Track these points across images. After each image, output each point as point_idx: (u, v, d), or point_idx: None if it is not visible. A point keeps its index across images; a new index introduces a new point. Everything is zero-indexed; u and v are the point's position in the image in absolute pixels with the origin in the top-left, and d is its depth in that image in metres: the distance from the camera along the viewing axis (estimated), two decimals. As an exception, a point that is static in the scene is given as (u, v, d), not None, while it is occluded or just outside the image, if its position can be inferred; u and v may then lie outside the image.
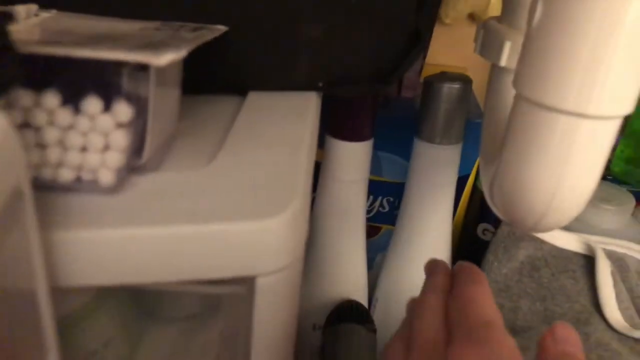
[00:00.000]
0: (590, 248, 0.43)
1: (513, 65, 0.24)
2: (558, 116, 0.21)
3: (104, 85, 0.19)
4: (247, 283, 0.20)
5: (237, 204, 0.20)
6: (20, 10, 0.21)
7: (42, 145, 0.19)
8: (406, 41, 0.31)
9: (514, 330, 0.41)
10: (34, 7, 0.23)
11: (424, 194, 0.42)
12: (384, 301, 0.47)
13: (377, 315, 0.47)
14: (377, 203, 0.50)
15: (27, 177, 0.15)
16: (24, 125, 0.19)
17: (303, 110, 0.29)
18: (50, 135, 0.19)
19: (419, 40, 0.31)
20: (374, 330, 0.41)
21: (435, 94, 0.39)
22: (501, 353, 0.19)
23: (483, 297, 0.22)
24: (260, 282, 0.20)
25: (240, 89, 0.31)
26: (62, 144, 0.19)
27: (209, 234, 0.19)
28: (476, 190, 0.50)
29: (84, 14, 0.25)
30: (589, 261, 0.42)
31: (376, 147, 0.43)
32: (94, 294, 0.24)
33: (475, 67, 0.51)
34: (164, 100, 0.22)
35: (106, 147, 0.19)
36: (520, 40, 0.23)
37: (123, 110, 0.19)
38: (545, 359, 0.19)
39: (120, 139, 0.19)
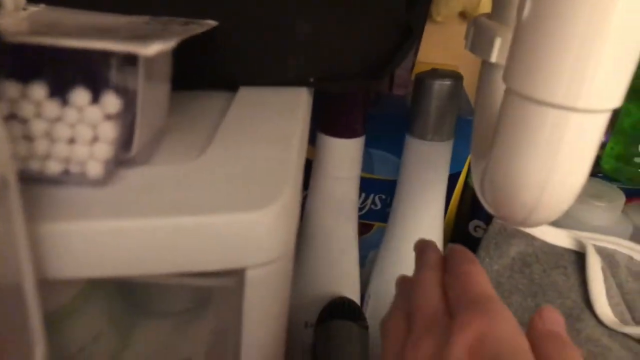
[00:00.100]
0: (581, 244, 0.43)
1: (503, 61, 0.24)
2: (548, 110, 0.21)
3: (92, 77, 0.19)
4: (236, 276, 0.20)
5: (227, 196, 0.20)
6: (7, 1, 0.21)
7: (29, 138, 0.19)
8: (397, 37, 0.31)
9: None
10: (22, 1, 0.23)
11: (415, 191, 0.43)
12: (376, 298, 0.47)
13: (369, 312, 0.47)
14: (369, 200, 0.50)
15: (13, 167, 0.15)
16: (11, 117, 0.19)
17: (294, 105, 0.29)
18: (38, 127, 0.19)
19: (410, 36, 0.31)
20: (366, 327, 0.41)
21: (426, 91, 0.39)
22: (504, 323, 0.20)
23: (478, 274, 0.23)
24: (250, 275, 0.20)
25: (230, 84, 0.31)
26: (50, 136, 0.19)
27: (198, 226, 0.19)
28: (468, 187, 0.50)
29: (72, 9, 0.25)
30: (579, 257, 0.43)
31: (368, 145, 0.43)
32: (83, 288, 0.24)
33: (466, 65, 0.51)
34: (153, 94, 0.22)
35: (94, 139, 0.19)
36: (510, 36, 0.23)
37: (111, 102, 0.19)
38: (533, 335, 0.20)
39: (109, 131, 0.19)
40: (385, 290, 0.46)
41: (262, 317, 0.22)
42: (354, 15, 0.30)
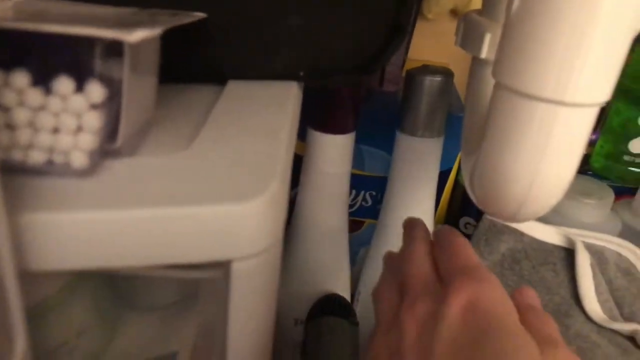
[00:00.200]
0: (570, 241, 0.43)
1: (493, 57, 0.24)
2: (536, 104, 0.21)
3: (76, 65, 0.18)
4: (223, 268, 0.20)
5: (213, 187, 0.20)
6: (-9, -10, 0.21)
7: (11, 126, 0.19)
8: (387, 32, 0.31)
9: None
10: (7, -10, 0.23)
11: (406, 187, 0.42)
12: (367, 295, 0.47)
13: (359, 309, 0.46)
14: (360, 197, 0.50)
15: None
16: (-7, 106, 0.18)
17: (283, 99, 0.29)
18: (20, 115, 0.18)
19: (401, 31, 0.31)
20: (357, 324, 0.41)
21: (417, 87, 0.39)
22: (494, 289, 0.21)
23: (466, 245, 0.25)
24: (236, 267, 0.20)
25: (219, 77, 0.31)
26: (33, 125, 0.19)
27: (183, 217, 0.19)
28: (458, 184, 0.50)
29: (60, 0, 0.25)
30: (569, 254, 0.43)
31: (359, 142, 0.43)
32: (67, 280, 0.24)
33: (457, 63, 0.51)
34: (139, 85, 0.22)
35: (79, 129, 0.19)
36: (500, 32, 0.23)
37: (96, 91, 0.19)
38: (515, 306, 0.22)
39: (94, 121, 0.19)
40: (375, 287, 0.46)
41: (248, 311, 0.22)
42: (344, 9, 0.30)
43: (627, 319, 0.41)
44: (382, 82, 0.50)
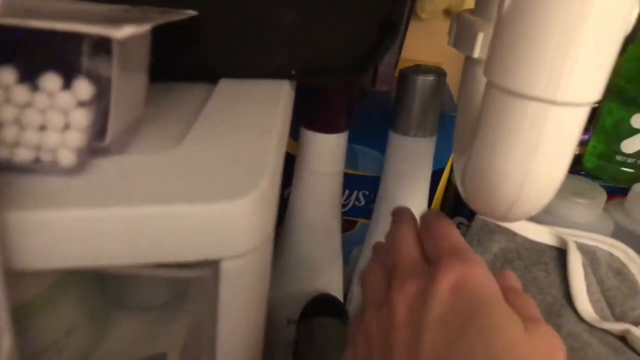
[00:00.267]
0: (562, 241, 0.43)
1: (485, 56, 0.24)
2: (528, 103, 0.21)
3: (64, 62, 0.18)
4: (212, 267, 0.20)
5: (203, 185, 0.20)
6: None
7: (-3, 124, 0.18)
8: (380, 31, 0.31)
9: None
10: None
11: (399, 187, 0.42)
12: (360, 295, 0.47)
13: (352, 309, 0.46)
14: (353, 197, 0.50)
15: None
16: (-21, 103, 0.18)
17: (275, 97, 0.29)
18: (7, 113, 0.18)
19: (393, 30, 0.31)
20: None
21: (409, 86, 0.39)
22: (481, 270, 0.22)
23: (454, 229, 0.26)
24: (226, 266, 0.20)
25: (211, 75, 0.30)
26: (19, 123, 0.18)
27: (172, 216, 0.18)
28: (451, 184, 0.50)
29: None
30: (561, 254, 0.43)
31: (352, 141, 0.43)
32: (55, 280, 0.23)
33: (450, 63, 0.51)
34: (129, 82, 0.22)
35: (66, 126, 0.19)
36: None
37: (84, 88, 0.18)
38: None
39: (81, 118, 0.19)
40: (368, 286, 0.45)
41: (239, 310, 0.22)
42: (337, 8, 0.29)
43: (619, 318, 0.41)
44: (375, 81, 0.50)
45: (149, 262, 0.19)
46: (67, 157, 0.19)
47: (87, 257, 0.19)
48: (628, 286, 0.42)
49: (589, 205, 0.46)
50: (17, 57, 0.18)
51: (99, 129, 0.20)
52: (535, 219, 0.44)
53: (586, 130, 0.54)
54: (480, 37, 0.28)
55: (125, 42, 0.19)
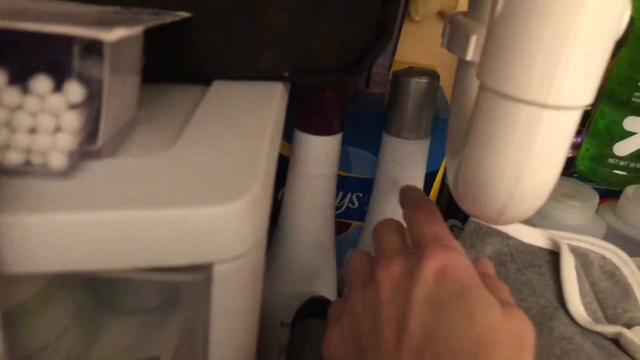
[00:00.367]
0: (555, 243, 0.43)
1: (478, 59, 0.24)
2: (520, 106, 0.21)
3: (55, 64, 0.18)
4: (204, 271, 0.20)
5: (194, 188, 0.19)
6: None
7: (-13, 126, 0.18)
8: (373, 32, 0.31)
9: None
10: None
11: (392, 190, 0.42)
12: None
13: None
14: (347, 199, 0.50)
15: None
16: (-31, 105, 0.18)
17: (268, 99, 0.29)
18: (-4, 115, 0.18)
19: (386, 31, 0.31)
20: (342, 326, 0.41)
21: (403, 89, 0.39)
22: (462, 257, 0.24)
23: (437, 214, 0.27)
24: (218, 270, 0.20)
25: (203, 77, 0.30)
26: (10, 125, 0.18)
27: (163, 219, 0.18)
28: (444, 186, 0.51)
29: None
30: (554, 256, 0.43)
31: (346, 143, 0.43)
32: (46, 283, 0.23)
33: (444, 65, 0.51)
34: (120, 85, 0.22)
35: (57, 129, 0.19)
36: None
37: (75, 90, 0.18)
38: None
39: (73, 121, 0.19)
40: (361, 289, 0.45)
41: (231, 314, 0.22)
42: (330, 10, 0.29)
43: (611, 321, 0.41)
44: (368, 83, 0.50)
45: (141, 266, 0.19)
46: (58, 160, 0.19)
47: (78, 261, 0.18)
48: (620, 288, 0.43)
49: (582, 208, 0.46)
50: (7, 59, 0.18)
51: (90, 132, 0.20)
52: (529, 221, 0.45)
53: (579, 133, 0.54)
54: (473, 40, 0.28)
55: (116, 44, 0.19)
